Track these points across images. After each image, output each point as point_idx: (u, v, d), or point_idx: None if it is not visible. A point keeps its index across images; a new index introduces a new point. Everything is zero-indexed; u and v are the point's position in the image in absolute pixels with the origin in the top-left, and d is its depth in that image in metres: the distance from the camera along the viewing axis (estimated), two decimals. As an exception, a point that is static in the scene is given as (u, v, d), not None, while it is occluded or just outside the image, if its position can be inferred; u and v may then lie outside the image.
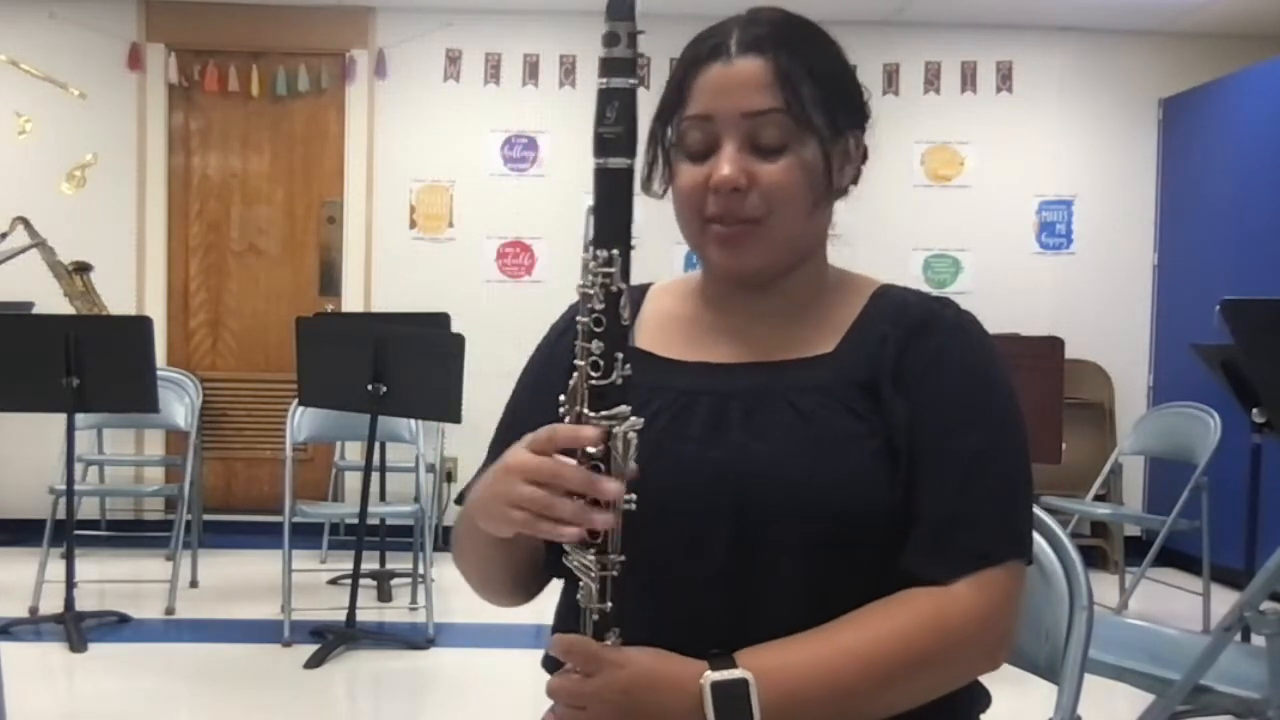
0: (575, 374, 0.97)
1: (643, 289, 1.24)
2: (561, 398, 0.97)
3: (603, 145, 0.94)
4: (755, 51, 1.08)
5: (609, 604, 0.97)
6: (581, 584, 0.98)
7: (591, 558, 0.97)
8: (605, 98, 0.94)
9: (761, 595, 1.04)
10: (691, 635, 1.04)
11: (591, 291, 0.95)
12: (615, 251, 0.94)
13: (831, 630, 1.02)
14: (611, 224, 0.95)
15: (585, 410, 0.95)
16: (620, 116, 0.93)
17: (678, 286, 1.23)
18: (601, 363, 0.95)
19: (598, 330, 0.94)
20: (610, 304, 0.94)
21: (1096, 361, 5.78)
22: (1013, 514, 1.09)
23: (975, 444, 1.07)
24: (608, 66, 0.93)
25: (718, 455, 1.06)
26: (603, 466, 0.95)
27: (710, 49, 1.09)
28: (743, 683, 0.98)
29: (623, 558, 0.97)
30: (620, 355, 0.94)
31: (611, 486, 0.94)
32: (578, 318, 0.96)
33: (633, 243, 0.95)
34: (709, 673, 0.98)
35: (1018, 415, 1.10)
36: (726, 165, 1.06)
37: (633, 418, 0.95)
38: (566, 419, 0.97)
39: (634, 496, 0.96)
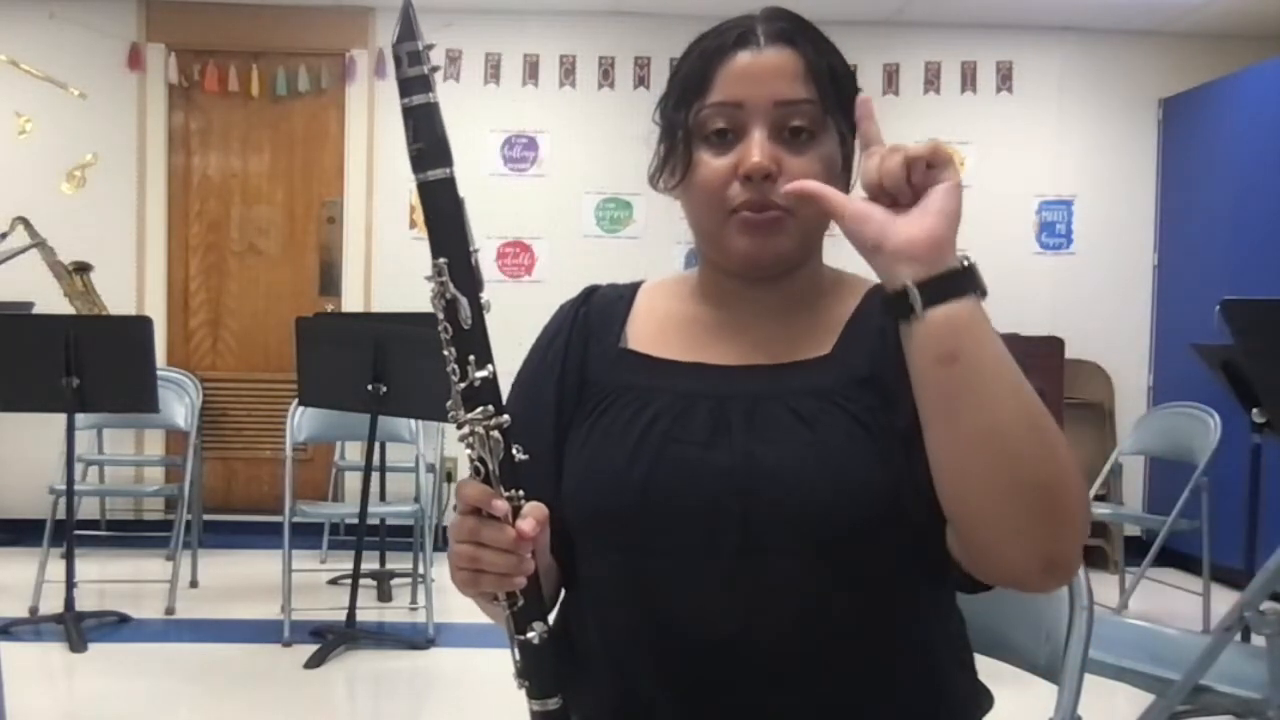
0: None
1: (633, 287, 1.23)
2: (449, 407, 0.98)
3: (417, 161, 0.95)
4: (785, 43, 1.08)
5: (521, 600, 0.98)
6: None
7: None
8: (406, 116, 0.95)
9: (767, 598, 1.04)
10: (693, 634, 1.04)
11: (433, 300, 0.97)
12: (444, 260, 0.96)
13: None
14: (443, 233, 0.97)
15: (461, 413, 0.97)
16: (423, 131, 0.94)
17: (672, 285, 1.22)
18: (456, 367, 0.96)
19: (446, 337, 0.96)
20: (449, 310, 0.96)
21: (1096, 361, 5.79)
22: None
23: None
24: (403, 87, 0.94)
25: (722, 460, 1.05)
26: (483, 470, 0.97)
27: (736, 37, 1.08)
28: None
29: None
30: (473, 357, 0.96)
31: (499, 505, 0.96)
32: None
33: (474, 246, 0.97)
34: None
35: None
36: (758, 151, 1.05)
37: (500, 416, 0.96)
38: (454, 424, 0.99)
39: (522, 491, 0.97)
